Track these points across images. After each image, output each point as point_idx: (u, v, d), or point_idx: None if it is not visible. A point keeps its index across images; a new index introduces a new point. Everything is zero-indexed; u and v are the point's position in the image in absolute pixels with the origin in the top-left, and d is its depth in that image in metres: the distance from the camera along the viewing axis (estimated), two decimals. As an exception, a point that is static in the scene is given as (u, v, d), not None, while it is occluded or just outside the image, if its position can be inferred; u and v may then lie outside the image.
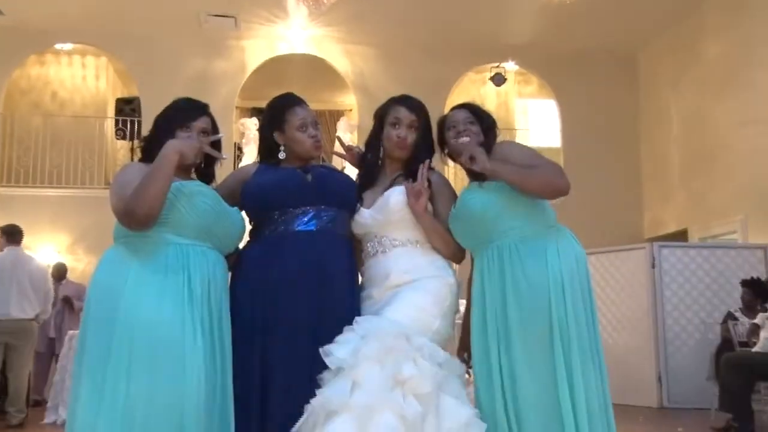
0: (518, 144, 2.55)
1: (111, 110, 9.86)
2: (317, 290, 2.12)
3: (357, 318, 2.09)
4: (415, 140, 2.31)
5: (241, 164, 7.49)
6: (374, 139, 2.37)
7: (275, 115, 2.32)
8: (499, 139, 2.34)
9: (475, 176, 2.22)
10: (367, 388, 1.86)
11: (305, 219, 2.18)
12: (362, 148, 2.47)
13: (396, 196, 2.24)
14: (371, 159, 2.37)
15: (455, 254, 2.29)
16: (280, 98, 2.36)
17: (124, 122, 9.23)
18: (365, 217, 2.27)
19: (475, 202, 2.17)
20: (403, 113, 2.32)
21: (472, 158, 2.14)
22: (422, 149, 2.31)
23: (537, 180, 2.12)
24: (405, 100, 2.36)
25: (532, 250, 2.11)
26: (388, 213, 2.23)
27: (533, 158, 2.20)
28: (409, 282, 2.17)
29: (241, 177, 2.31)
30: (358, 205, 2.29)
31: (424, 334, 2.05)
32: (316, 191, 2.22)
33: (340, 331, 2.04)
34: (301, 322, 2.08)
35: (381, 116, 2.37)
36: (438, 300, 2.16)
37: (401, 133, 2.30)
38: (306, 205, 2.19)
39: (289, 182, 2.22)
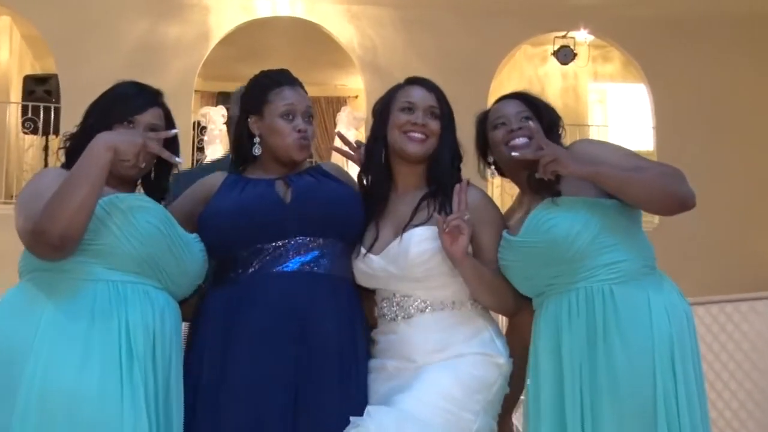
0: (600, 141, 2.56)
1: (16, 93, 9.98)
2: (296, 356, 2.13)
3: (369, 409, 2.08)
4: (437, 132, 2.29)
5: (201, 171, 7.54)
6: (375, 144, 2.35)
7: (255, 94, 2.35)
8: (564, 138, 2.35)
9: (540, 189, 2.19)
10: None
11: (284, 254, 2.19)
12: None
13: (418, 243, 2.19)
14: (375, 174, 2.34)
15: (508, 307, 2.29)
16: (267, 73, 2.39)
17: (35, 109, 9.31)
18: (375, 268, 2.24)
19: (557, 225, 2.13)
20: (419, 93, 2.32)
21: (553, 162, 2.11)
22: (447, 148, 2.30)
23: (654, 185, 2.11)
24: (419, 80, 2.37)
25: (631, 300, 2.10)
26: (408, 267, 2.19)
27: (630, 158, 2.20)
28: (440, 362, 2.17)
29: (202, 195, 2.31)
30: (363, 249, 2.25)
31: None
32: (297, 215, 2.21)
33: (327, 416, 2.07)
34: (273, 400, 2.10)
35: (385, 107, 2.35)
36: (481, 387, 2.16)
37: (418, 118, 2.27)
38: (284, 238, 2.20)
39: (260, 206, 2.22)
